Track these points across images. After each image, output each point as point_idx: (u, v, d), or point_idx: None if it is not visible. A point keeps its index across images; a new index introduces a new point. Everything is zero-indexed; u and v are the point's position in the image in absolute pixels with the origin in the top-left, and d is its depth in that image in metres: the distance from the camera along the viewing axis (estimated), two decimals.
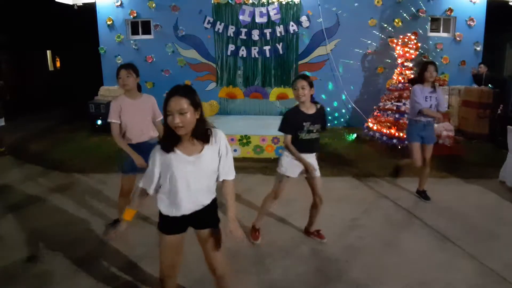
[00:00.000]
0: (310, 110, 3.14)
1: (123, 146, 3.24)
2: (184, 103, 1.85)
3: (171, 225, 2.11)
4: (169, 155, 1.95)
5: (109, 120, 3.24)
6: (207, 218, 2.17)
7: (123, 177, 3.39)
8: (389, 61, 8.33)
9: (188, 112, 1.87)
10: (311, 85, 3.09)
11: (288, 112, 3.19)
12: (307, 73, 8.45)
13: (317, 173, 3.25)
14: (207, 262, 2.23)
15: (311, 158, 3.23)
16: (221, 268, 2.22)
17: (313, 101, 3.18)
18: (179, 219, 2.08)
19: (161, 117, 3.19)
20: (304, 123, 3.08)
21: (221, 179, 2.13)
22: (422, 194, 4.53)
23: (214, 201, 2.18)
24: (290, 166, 3.23)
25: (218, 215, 2.24)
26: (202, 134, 1.98)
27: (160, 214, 2.13)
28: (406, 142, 5.41)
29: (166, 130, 1.94)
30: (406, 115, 6.31)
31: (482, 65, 8.03)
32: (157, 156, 1.99)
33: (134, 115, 3.24)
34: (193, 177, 1.99)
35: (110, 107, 3.26)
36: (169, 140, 1.95)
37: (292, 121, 3.11)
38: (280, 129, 3.16)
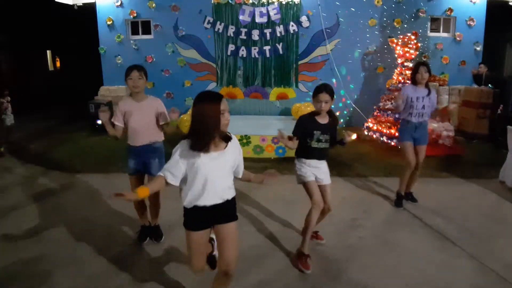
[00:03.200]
0: (324, 120, 3.13)
1: (108, 128, 3.23)
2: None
3: (195, 220, 2.21)
4: (197, 153, 2.07)
5: (112, 120, 3.25)
6: (228, 212, 2.27)
7: (130, 178, 3.36)
8: (389, 61, 8.33)
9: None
10: (333, 97, 3.06)
11: (302, 117, 3.20)
12: (307, 73, 8.57)
13: (328, 180, 3.21)
14: (223, 259, 2.25)
15: (321, 165, 3.19)
16: (234, 267, 2.26)
17: (329, 111, 3.14)
18: (202, 212, 2.17)
19: (168, 120, 3.20)
20: (315, 132, 3.07)
21: (240, 176, 2.37)
22: (409, 197, 4.42)
23: (234, 198, 2.30)
24: (308, 172, 3.15)
25: (236, 212, 2.32)
26: (225, 133, 2.18)
27: (184, 211, 2.23)
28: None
29: (202, 129, 2.05)
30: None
31: (482, 65, 8.03)
32: (183, 153, 2.10)
33: (138, 118, 3.19)
34: (216, 173, 2.13)
35: (116, 109, 3.26)
36: (204, 139, 2.06)
37: (303, 127, 3.11)
38: (293, 132, 3.15)
